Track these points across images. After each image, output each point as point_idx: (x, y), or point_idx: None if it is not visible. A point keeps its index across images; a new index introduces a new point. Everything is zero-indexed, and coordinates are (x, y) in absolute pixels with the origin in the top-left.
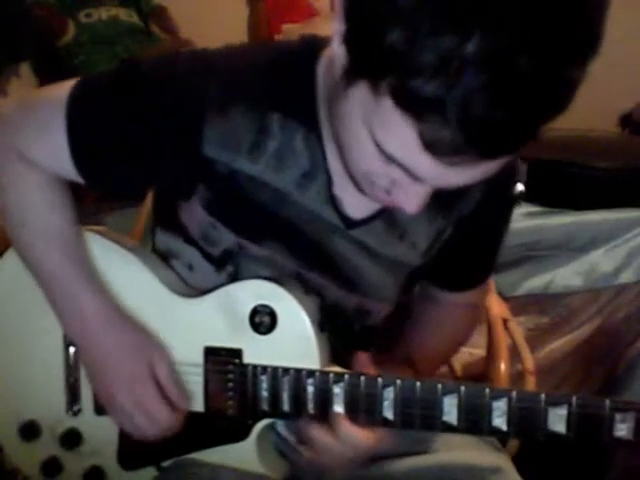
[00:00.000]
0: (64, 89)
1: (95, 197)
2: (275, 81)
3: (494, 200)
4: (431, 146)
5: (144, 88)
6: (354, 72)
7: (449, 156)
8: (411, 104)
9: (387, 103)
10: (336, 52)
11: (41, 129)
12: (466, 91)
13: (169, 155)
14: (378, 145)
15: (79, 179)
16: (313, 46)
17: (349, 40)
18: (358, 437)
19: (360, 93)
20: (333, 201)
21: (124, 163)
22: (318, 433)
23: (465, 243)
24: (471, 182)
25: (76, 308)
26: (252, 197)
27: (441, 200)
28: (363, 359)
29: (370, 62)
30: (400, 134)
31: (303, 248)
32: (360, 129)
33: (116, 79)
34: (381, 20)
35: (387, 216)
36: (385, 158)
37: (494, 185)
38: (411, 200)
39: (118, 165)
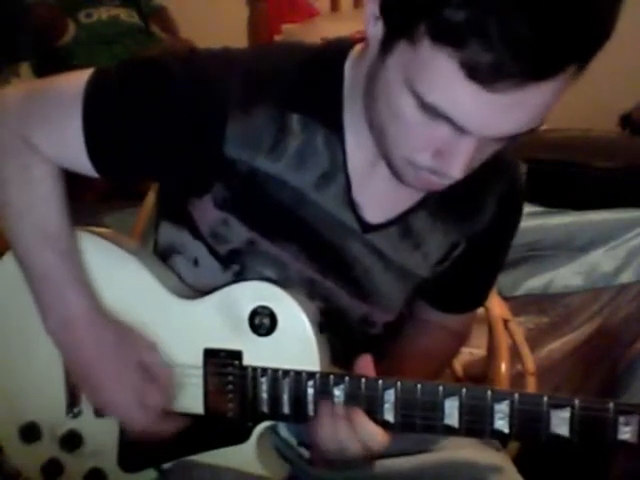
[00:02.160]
0: (79, 80)
1: (95, 197)
2: (300, 82)
3: (506, 216)
4: (474, 73)
5: (164, 85)
6: (392, 36)
7: (494, 80)
8: (448, 34)
9: (425, 45)
10: (371, 33)
11: (55, 119)
12: (501, 9)
13: (186, 153)
14: (420, 99)
15: (90, 170)
16: (340, 47)
17: (385, 8)
18: (374, 433)
19: (398, 56)
20: (351, 203)
21: (139, 158)
22: (338, 427)
23: (474, 261)
24: (517, 129)
25: (61, 307)
26: (271, 195)
27: (458, 212)
28: (364, 362)
29: (406, 16)
30: (441, 72)
31: (318, 249)
32: (400, 94)
33: (135, 75)
34: None
35: (403, 223)
36: (428, 116)
37: (507, 199)
38: (457, 161)
39: (132, 159)
